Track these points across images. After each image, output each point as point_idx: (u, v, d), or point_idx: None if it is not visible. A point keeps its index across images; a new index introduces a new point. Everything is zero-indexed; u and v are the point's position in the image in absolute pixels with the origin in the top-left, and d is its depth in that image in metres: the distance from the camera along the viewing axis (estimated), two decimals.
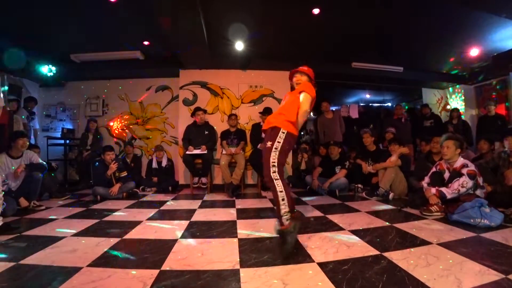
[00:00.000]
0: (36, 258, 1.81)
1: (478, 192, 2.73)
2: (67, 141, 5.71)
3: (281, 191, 1.95)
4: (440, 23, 4.00)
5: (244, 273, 1.58)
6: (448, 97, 6.88)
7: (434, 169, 3.12)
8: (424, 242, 2.00)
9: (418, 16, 3.81)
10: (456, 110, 5.77)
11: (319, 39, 4.61)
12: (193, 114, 4.86)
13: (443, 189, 2.79)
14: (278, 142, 2.05)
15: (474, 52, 4.88)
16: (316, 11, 3.70)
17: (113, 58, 5.07)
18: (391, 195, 3.69)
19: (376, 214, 2.93)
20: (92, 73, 5.71)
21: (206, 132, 4.80)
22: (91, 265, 1.70)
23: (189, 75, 5.45)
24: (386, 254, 1.79)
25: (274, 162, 2.00)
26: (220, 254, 1.88)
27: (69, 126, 5.96)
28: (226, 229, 2.46)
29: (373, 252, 1.85)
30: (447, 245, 1.91)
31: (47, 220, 2.82)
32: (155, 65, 5.46)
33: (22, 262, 1.75)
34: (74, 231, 2.41)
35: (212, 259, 1.79)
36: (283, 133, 2.07)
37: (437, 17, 3.84)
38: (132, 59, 5.12)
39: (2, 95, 2.47)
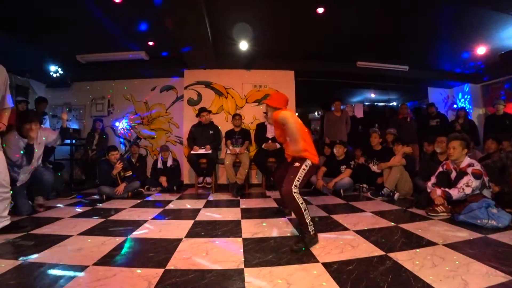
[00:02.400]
0: (43, 256, 1.84)
1: (485, 192, 2.70)
2: (73, 141, 5.77)
3: (302, 203, 2.06)
4: (446, 21, 3.96)
5: (249, 272, 1.58)
6: (454, 96, 6.81)
7: (440, 169, 3.09)
8: (430, 243, 1.98)
9: (423, 15, 3.78)
10: (462, 109, 5.70)
11: (324, 38, 4.59)
12: (198, 115, 4.88)
13: (449, 190, 2.76)
14: (306, 165, 2.20)
15: (481, 50, 4.81)
16: (320, 10, 3.68)
17: (118, 58, 5.10)
18: (396, 195, 3.66)
19: (381, 214, 2.91)
20: (97, 74, 5.76)
21: (211, 132, 4.81)
22: (96, 263, 1.72)
23: (194, 75, 5.47)
24: (391, 254, 1.78)
25: (296, 181, 2.11)
26: (224, 253, 1.89)
27: (75, 126, 6.02)
28: (230, 229, 2.47)
29: (378, 252, 1.83)
30: (454, 246, 1.89)
31: (53, 219, 2.85)
32: (160, 65, 5.48)
33: (29, 260, 1.78)
34: (80, 230, 2.43)
35: (216, 258, 1.80)
36: (308, 164, 2.22)
37: (443, 15, 3.80)
38: (137, 60, 5.15)
39: (10, 96, 2.50)
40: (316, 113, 10.12)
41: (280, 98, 2.49)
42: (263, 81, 5.53)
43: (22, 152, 3.09)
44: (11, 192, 2.48)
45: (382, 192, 3.76)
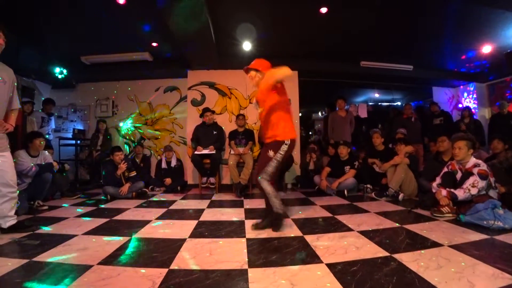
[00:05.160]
0: (49, 256, 1.86)
1: (491, 193, 2.67)
2: (78, 142, 5.82)
3: (266, 188, 2.28)
4: (451, 20, 3.93)
5: (252, 273, 1.58)
6: (459, 96, 6.75)
7: (446, 169, 3.06)
8: (435, 244, 1.96)
9: (428, 13, 3.75)
10: (468, 109, 5.65)
11: (327, 38, 4.58)
12: (201, 115, 4.89)
13: (455, 190, 2.73)
14: (281, 154, 2.25)
15: (486, 49, 4.77)
16: (323, 10, 3.68)
17: (122, 59, 5.14)
18: (401, 196, 3.63)
19: (386, 215, 2.89)
20: (102, 75, 5.82)
21: (215, 132, 4.82)
22: (101, 263, 1.73)
23: (197, 76, 5.49)
24: (396, 255, 1.77)
25: (269, 171, 2.25)
26: (228, 253, 1.89)
27: (80, 127, 6.08)
28: (234, 229, 2.47)
29: (383, 253, 1.82)
30: (459, 247, 1.87)
31: (58, 219, 2.88)
32: (164, 66, 5.51)
33: (35, 259, 1.80)
34: (84, 230, 2.45)
35: (220, 258, 1.80)
36: (286, 144, 2.25)
37: (447, 14, 3.78)
38: (141, 61, 5.19)
39: (17, 97, 2.53)
40: (319, 113, 10.10)
41: (264, 62, 2.54)
42: None
43: (32, 164, 3.34)
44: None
45: (387, 192, 3.74)
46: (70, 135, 5.86)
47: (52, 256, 1.85)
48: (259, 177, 2.27)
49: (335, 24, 4.09)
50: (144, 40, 4.61)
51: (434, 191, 2.99)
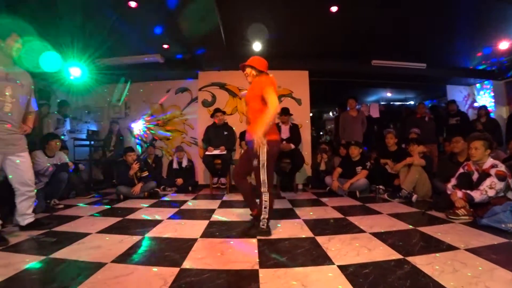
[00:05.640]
0: (64, 253, 1.92)
1: (509, 195, 2.58)
2: (92, 142, 5.95)
3: (265, 201, 2.27)
4: (466, 16, 3.83)
5: (263, 273, 1.58)
6: (475, 94, 6.55)
7: (461, 170, 2.98)
8: (451, 247, 1.91)
9: (441, 10, 3.66)
10: (484, 107, 5.48)
11: (337, 37, 4.53)
12: (212, 116, 4.92)
13: (471, 192, 2.65)
14: (262, 159, 2.21)
15: (503, 45, 4.61)
16: (334, 9, 3.65)
17: (134, 62, 5.22)
18: (414, 197, 3.55)
19: (399, 216, 2.83)
20: (115, 77, 5.92)
21: (225, 133, 4.84)
22: (114, 261, 1.77)
23: (208, 77, 5.53)
24: (409, 258, 1.73)
25: (265, 180, 2.24)
26: (239, 254, 1.90)
27: (94, 128, 6.21)
28: (245, 229, 2.46)
29: (396, 256, 1.78)
30: (476, 251, 1.82)
31: (74, 217, 2.96)
32: (175, 68, 5.57)
33: (51, 256, 1.86)
34: (98, 228, 2.51)
35: (231, 258, 1.81)
36: (264, 144, 2.19)
37: (462, 10, 3.67)
38: (152, 62, 5.25)
39: (35, 100, 2.63)
40: (330, 113, 10.00)
41: (263, 62, 2.53)
42: (277, 81, 5.47)
43: (48, 164, 3.46)
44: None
45: (399, 193, 3.67)
46: (84, 136, 5.99)
47: (68, 254, 1.90)
48: (262, 191, 2.27)
49: (346, 23, 4.05)
50: (155, 42, 4.67)
51: (449, 192, 2.91)
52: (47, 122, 4.92)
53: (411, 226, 2.46)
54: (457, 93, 6.72)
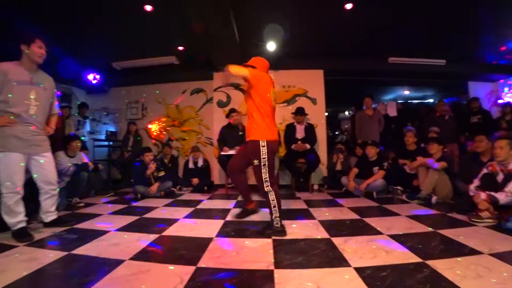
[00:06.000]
0: (85, 249, 1.99)
1: None
2: (111, 143, 6.13)
3: (273, 200, 2.27)
4: (488, 8, 3.65)
5: (279, 274, 1.57)
6: (499, 91, 6.26)
7: (485, 171, 2.85)
8: (474, 252, 1.83)
9: (462, 3, 3.51)
10: (509, 104, 5.23)
11: (353, 35, 4.45)
12: (227, 116, 4.95)
13: (495, 194, 2.54)
14: (264, 158, 2.24)
15: None
16: (348, 6, 3.59)
17: (151, 64, 5.35)
18: (434, 199, 3.44)
19: (418, 218, 2.75)
20: (132, 79, 6.10)
21: (241, 133, 4.85)
22: (132, 258, 1.82)
23: (223, 77, 5.55)
24: (429, 262, 1.67)
25: (266, 178, 2.26)
26: (254, 254, 1.90)
27: (112, 129, 6.40)
28: (260, 229, 2.46)
29: (415, 259, 1.73)
30: (501, 256, 1.73)
31: (93, 215, 3.06)
32: (190, 69, 5.65)
33: (73, 252, 1.94)
34: (117, 226, 2.58)
35: (246, 258, 1.81)
36: (263, 146, 2.24)
37: (484, 2, 3.51)
38: (168, 64, 5.36)
39: (57, 103, 2.74)
40: (346, 113, 9.84)
41: (263, 62, 2.58)
42: (292, 81, 5.50)
43: (69, 164, 3.59)
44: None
45: (418, 195, 3.56)
46: (103, 137, 6.20)
47: (88, 250, 1.98)
48: (266, 190, 2.27)
49: (361, 20, 3.96)
50: (170, 44, 4.76)
51: (471, 194, 2.80)
52: (69, 123, 5.11)
53: (430, 229, 2.38)
54: (479, 90, 6.43)
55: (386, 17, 3.86)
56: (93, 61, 5.33)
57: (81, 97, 6.33)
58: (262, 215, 2.95)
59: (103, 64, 5.41)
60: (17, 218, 2.26)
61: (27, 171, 2.41)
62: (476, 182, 2.85)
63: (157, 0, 3.45)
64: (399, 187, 4.08)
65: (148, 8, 3.57)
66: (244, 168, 2.56)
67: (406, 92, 8.13)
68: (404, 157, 4.23)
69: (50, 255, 1.87)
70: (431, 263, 1.65)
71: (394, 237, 2.18)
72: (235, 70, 2.26)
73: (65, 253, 1.91)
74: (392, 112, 6.64)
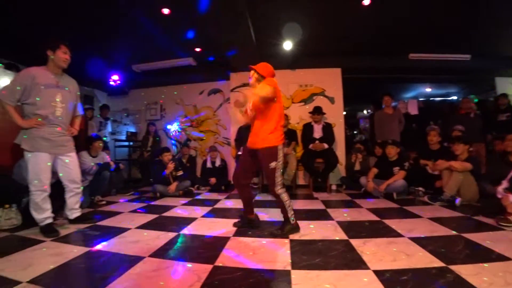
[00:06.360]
0: (107, 246, 2.08)
1: None
2: (131, 143, 6.32)
3: (286, 201, 2.33)
4: None
5: (296, 275, 1.56)
6: None
7: None
8: (502, 257, 1.73)
9: None
10: None
11: (371, 31, 4.35)
12: None
13: None
14: (279, 161, 2.31)
15: None
16: (366, 2, 3.51)
17: (168, 66, 5.48)
18: (458, 201, 3.29)
19: (440, 221, 2.64)
20: (150, 81, 6.27)
21: None
22: (152, 255, 1.87)
23: (240, 78, 5.60)
24: (452, 267, 1.60)
25: (279, 180, 2.31)
26: (271, 254, 1.90)
27: (132, 130, 6.59)
28: (277, 229, 2.45)
29: (437, 263, 1.66)
30: None
31: (114, 213, 3.18)
32: (207, 70, 5.74)
33: (95, 248, 2.03)
34: (137, 224, 2.66)
35: (263, 258, 1.81)
36: (280, 149, 2.32)
37: None
38: (185, 66, 5.46)
39: (81, 105, 2.86)
40: (365, 111, 9.63)
41: (268, 68, 2.55)
42: (309, 80, 5.45)
43: (92, 164, 3.74)
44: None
45: (441, 196, 3.42)
46: (123, 137, 6.40)
47: (110, 246, 2.06)
48: (280, 192, 2.32)
49: (380, 16, 3.86)
50: (188, 46, 4.84)
51: (499, 196, 2.66)
52: (91, 124, 5.32)
53: (454, 232, 2.28)
54: (508, 86, 6.10)
55: (405, 11, 3.74)
56: (114, 65, 5.52)
57: (103, 99, 6.58)
58: (271, 215, 2.95)
59: (123, 67, 5.58)
60: (44, 214, 2.39)
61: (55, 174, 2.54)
62: (504, 184, 2.70)
63: (173, 3, 3.52)
64: (420, 188, 3.94)
65: (166, 11, 3.66)
66: (250, 180, 2.60)
67: (428, 90, 7.83)
68: (427, 157, 4.06)
69: (74, 250, 1.96)
70: (455, 268, 1.59)
71: (415, 240, 2.10)
72: (261, 93, 2.29)
73: (88, 248, 2.00)
74: (413, 110, 6.44)
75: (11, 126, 2.53)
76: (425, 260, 1.73)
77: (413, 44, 4.81)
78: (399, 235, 2.25)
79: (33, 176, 2.34)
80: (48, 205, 2.43)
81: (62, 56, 2.46)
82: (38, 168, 2.35)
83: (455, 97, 8.14)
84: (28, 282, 1.49)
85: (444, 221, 2.65)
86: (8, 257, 1.84)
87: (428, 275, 1.52)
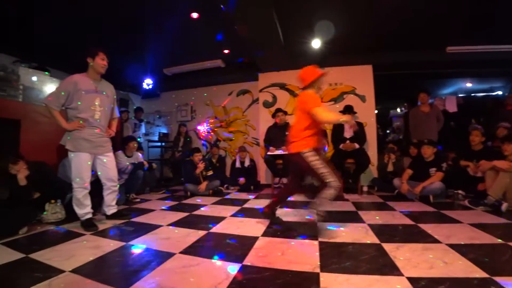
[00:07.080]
0: (140, 241, 2.19)
1: None
2: (163, 144, 6.59)
3: (332, 195, 2.35)
4: None
5: (324, 277, 1.53)
6: None
7: None
8: None
9: None
10: None
11: (404, 25, 4.10)
12: (273, 116, 4.97)
13: None
14: (312, 162, 2.33)
15: None
16: None
17: (198, 68, 5.65)
18: (504, 206, 3.01)
19: (483, 227, 2.44)
20: (181, 83, 6.51)
21: (287, 133, 4.83)
22: (182, 252, 1.94)
23: (268, 78, 5.62)
24: (498, 278, 1.46)
25: (325, 174, 2.34)
26: (300, 255, 1.88)
27: (164, 131, 6.87)
28: (306, 231, 2.43)
29: (480, 273, 1.54)
30: None
31: (148, 210, 3.34)
32: (235, 71, 5.83)
33: (130, 243, 2.15)
34: (168, 222, 2.78)
35: (292, 259, 1.80)
36: (309, 152, 2.34)
37: None
38: (215, 68, 5.60)
39: (117, 108, 3.05)
40: (398, 110, 9.19)
41: (308, 74, 2.50)
42: (338, 78, 5.31)
43: (127, 163, 3.99)
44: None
45: (485, 201, 3.16)
46: (156, 138, 6.70)
47: (143, 242, 2.17)
48: (328, 184, 2.35)
49: (413, 7, 3.64)
50: (216, 48, 4.96)
51: None
52: (127, 126, 5.63)
53: (500, 240, 2.09)
54: None
55: (441, 1, 3.50)
56: (146, 68, 5.80)
57: (137, 102, 6.94)
58: (300, 217, 2.91)
59: (155, 70, 5.84)
60: (85, 210, 2.59)
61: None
62: None
63: (202, 8, 3.62)
64: (460, 191, 3.67)
65: (195, 15, 3.77)
66: (302, 179, 2.69)
67: (468, 85, 7.26)
68: (468, 158, 3.77)
69: (111, 244, 2.10)
70: (501, 279, 1.45)
71: (454, 247, 1.96)
72: (330, 119, 2.45)
73: (123, 243, 2.13)
74: (452, 107, 6.02)
75: (56, 129, 2.78)
76: (466, 269, 1.61)
77: (450, 36, 4.47)
78: (436, 240, 2.12)
79: (75, 174, 2.55)
80: (88, 201, 2.62)
81: (100, 62, 2.64)
82: (80, 167, 2.55)
83: (500, 92, 7.47)
84: (70, 271, 1.62)
85: (487, 227, 2.44)
86: (54, 247, 2.03)
87: (469, 286, 1.41)
